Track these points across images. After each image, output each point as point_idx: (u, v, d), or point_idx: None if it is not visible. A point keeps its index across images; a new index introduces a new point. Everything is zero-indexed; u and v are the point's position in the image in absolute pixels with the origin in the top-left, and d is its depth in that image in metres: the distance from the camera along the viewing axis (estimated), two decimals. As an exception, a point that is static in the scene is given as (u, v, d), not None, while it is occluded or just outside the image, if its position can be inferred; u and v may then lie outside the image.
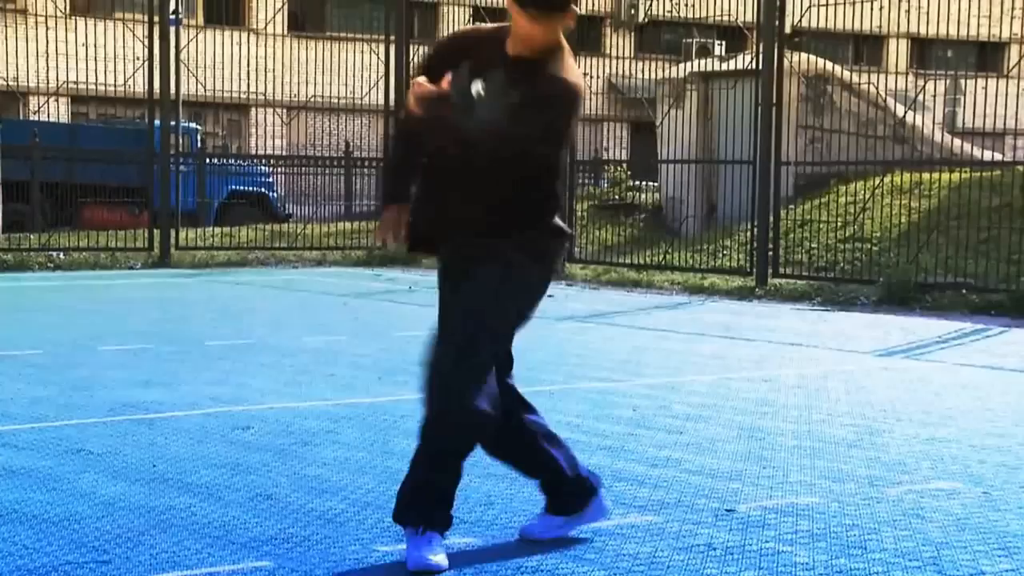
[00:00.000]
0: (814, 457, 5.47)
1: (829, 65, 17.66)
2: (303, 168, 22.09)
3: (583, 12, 16.88)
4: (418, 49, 18.32)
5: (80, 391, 6.80)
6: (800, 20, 14.53)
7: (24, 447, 5.37)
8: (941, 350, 9.38)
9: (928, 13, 13.88)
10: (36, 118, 24.22)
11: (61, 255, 15.75)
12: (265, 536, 4.12)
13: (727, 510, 4.55)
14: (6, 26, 25.05)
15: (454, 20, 22.47)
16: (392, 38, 17.87)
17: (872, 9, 14.39)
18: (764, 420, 6.33)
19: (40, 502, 4.49)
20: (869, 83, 18.01)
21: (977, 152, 17.48)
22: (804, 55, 17.15)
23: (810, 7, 14.35)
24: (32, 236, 17.18)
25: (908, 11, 15.81)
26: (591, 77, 17.76)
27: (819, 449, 5.64)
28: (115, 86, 18.57)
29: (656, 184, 19.03)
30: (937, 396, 7.20)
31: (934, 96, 16.37)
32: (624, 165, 21.70)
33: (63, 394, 6.69)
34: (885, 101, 17.51)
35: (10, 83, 20.18)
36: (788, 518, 4.46)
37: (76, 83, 20.70)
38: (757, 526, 4.35)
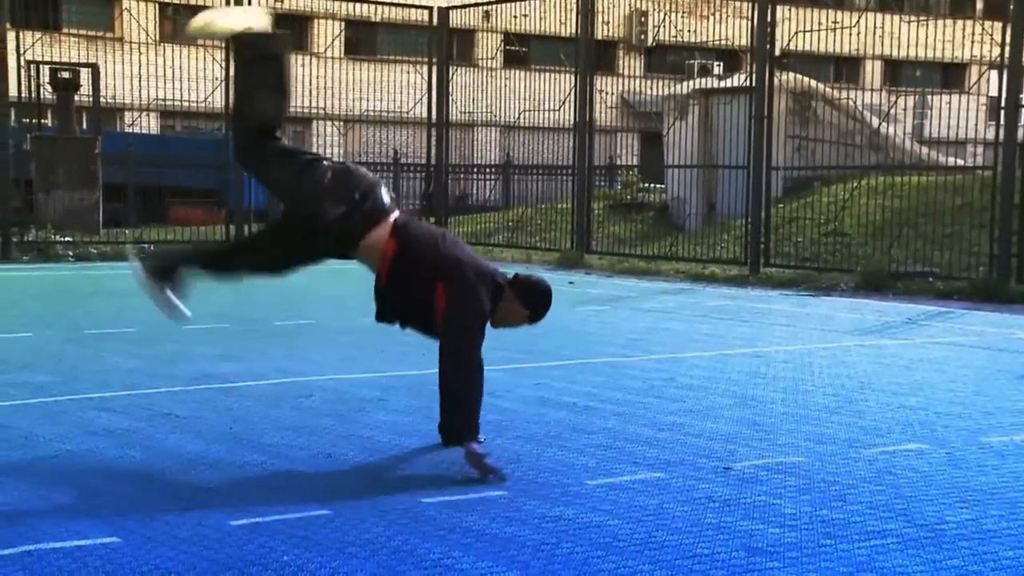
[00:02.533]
0: (800, 422, 5.44)
1: (813, 83, 17.54)
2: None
3: (600, 37, 16.78)
4: (456, 69, 18.31)
5: (167, 363, 6.83)
6: (788, 44, 14.43)
7: (120, 411, 5.40)
8: (910, 330, 9.31)
9: (899, 38, 13.77)
10: (131, 130, 24.31)
11: (151, 247, 15.82)
12: (326, 488, 4.13)
13: (724, 468, 4.53)
14: (106, 52, 25.13)
15: (487, 45, 22.45)
16: (434, 60, 17.85)
17: (850, 34, 14.29)
18: (756, 390, 6.30)
19: (134, 458, 4.51)
20: (848, 98, 17.88)
21: (942, 159, 17.34)
22: (792, 74, 17.04)
23: (797, 32, 14.26)
24: (127, 231, 17.28)
25: (882, 36, 15.69)
26: (606, 93, 17.70)
27: (804, 415, 5.61)
28: (197, 102, 18.62)
29: (663, 186, 18.97)
30: (907, 370, 7.14)
31: (904, 110, 16.24)
32: (635, 170, 21.64)
33: (152, 366, 6.73)
34: (862, 114, 17.38)
35: (109, 100, 20.27)
36: (778, 475, 4.44)
37: (164, 100, 20.76)
38: (751, 482, 4.33)
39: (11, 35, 14.79)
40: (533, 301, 4.65)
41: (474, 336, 4.44)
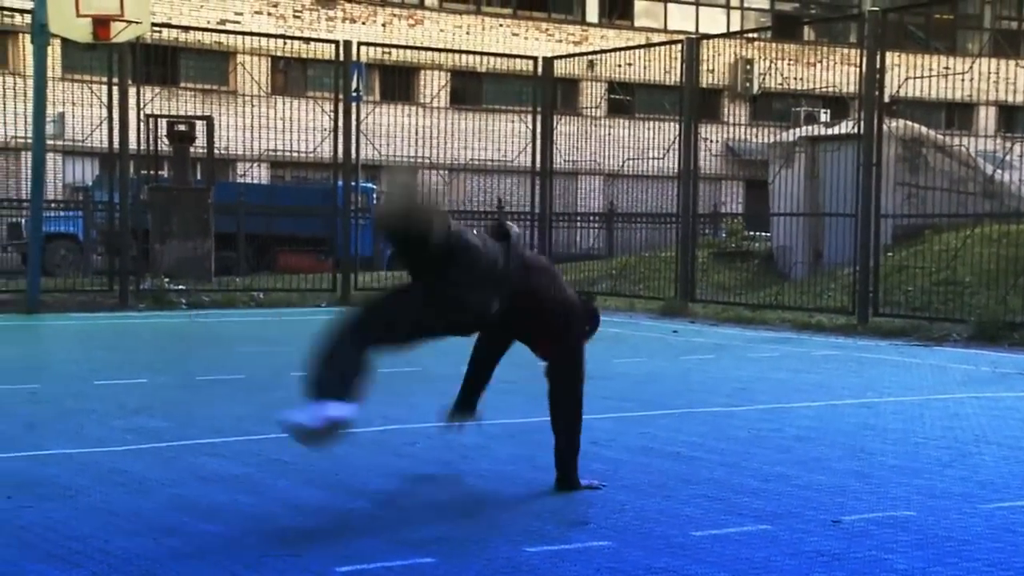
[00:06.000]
0: (912, 476, 5.32)
1: (924, 129, 17.24)
2: (462, 220, 22.31)
3: (704, 85, 16.74)
4: (560, 118, 18.43)
5: (276, 410, 6.91)
6: (898, 90, 14.23)
7: (231, 457, 5.51)
8: (1027, 382, 9.03)
9: (1015, 83, 13.49)
10: (242, 180, 24.93)
11: (261, 295, 16.14)
12: (430, 536, 4.15)
13: (833, 521, 4.45)
14: (220, 104, 25.88)
15: (591, 94, 22.57)
16: (538, 109, 18.00)
17: (963, 80, 14.04)
18: (866, 442, 6.17)
19: (244, 503, 4.59)
20: (961, 145, 17.54)
21: (1060, 206, 16.86)
22: (901, 121, 16.79)
23: (907, 79, 14.06)
24: (238, 279, 17.66)
25: (996, 81, 15.39)
26: (711, 141, 17.63)
27: (916, 469, 5.48)
28: (307, 153, 19.04)
29: (768, 234, 18.77)
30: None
31: (1020, 156, 15.84)
32: (739, 217, 21.47)
33: (262, 412, 6.84)
34: (975, 161, 17.02)
35: (222, 151, 20.83)
36: (889, 529, 4.34)
37: (275, 151, 21.28)
38: (861, 535, 4.24)
39: (132, 90, 15.31)
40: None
41: None
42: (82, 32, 13.18)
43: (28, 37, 14.83)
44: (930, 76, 14.24)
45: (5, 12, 16.48)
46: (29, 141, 14.25)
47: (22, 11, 15.39)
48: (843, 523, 4.42)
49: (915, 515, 4.57)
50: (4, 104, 16.84)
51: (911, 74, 14.19)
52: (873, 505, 4.73)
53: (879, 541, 4.17)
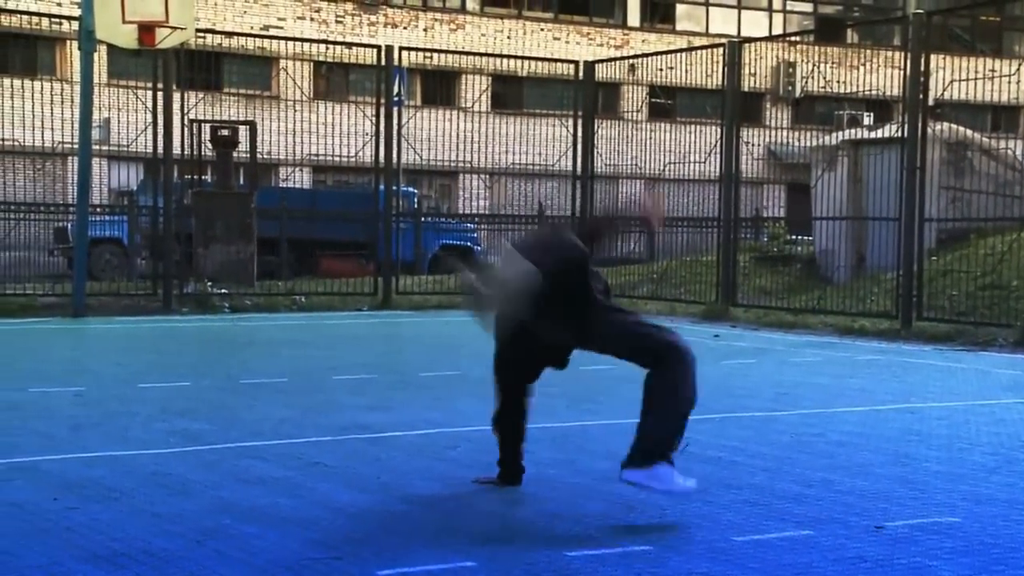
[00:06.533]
0: (957, 481, 5.26)
1: (969, 132, 17.06)
2: (503, 225, 22.33)
3: (746, 88, 16.65)
4: (601, 122, 18.39)
5: (317, 413, 6.97)
6: (942, 93, 14.09)
7: (272, 460, 5.54)
8: (1075, 387, 8.91)
9: (1061, 84, 13.33)
10: (284, 185, 25.07)
11: (303, 299, 16.22)
12: (471, 540, 4.16)
13: (876, 527, 4.41)
14: (263, 109, 26.07)
15: (633, 97, 22.52)
16: (580, 113, 17.98)
17: (1009, 82, 13.89)
18: (910, 447, 6.11)
19: (286, 506, 4.62)
20: (1007, 148, 17.33)
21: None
22: (946, 124, 16.61)
23: (952, 81, 13.92)
24: (280, 283, 17.76)
25: (1043, 82, 15.21)
26: (753, 145, 17.54)
27: (961, 474, 5.42)
28: (348, 157, 19.14)
29: (810, 238, 18.64)
30: (1072, 429, 6.83)
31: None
32: (781, 221, 21.33)
33: (303, 415, 6.88)
34: (1022, 164, 16.82)
35: (265, 156, 20.98)
36: (933, 536, 4.29)
37: (317, 155, 21.40)
38: (904, 542, 4.20)
39: (176, 96, 15.46)
40: None
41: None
42: (128, 38, 13.31)
43: (75, 44, 15.02)
44: (975, 79, 14.08)
45: (53, 20, 16.70)
46: (75, 146, 14.42)
47: (70, 18, 15.58)
48: (886, 529, 4.38)
49: (960, 521, 4.52)
50: (52, 110, 17.05)
51: (956, 76, 14.06)
52: (917, 511, 4.69)
53: (923, 547, 4.13)
